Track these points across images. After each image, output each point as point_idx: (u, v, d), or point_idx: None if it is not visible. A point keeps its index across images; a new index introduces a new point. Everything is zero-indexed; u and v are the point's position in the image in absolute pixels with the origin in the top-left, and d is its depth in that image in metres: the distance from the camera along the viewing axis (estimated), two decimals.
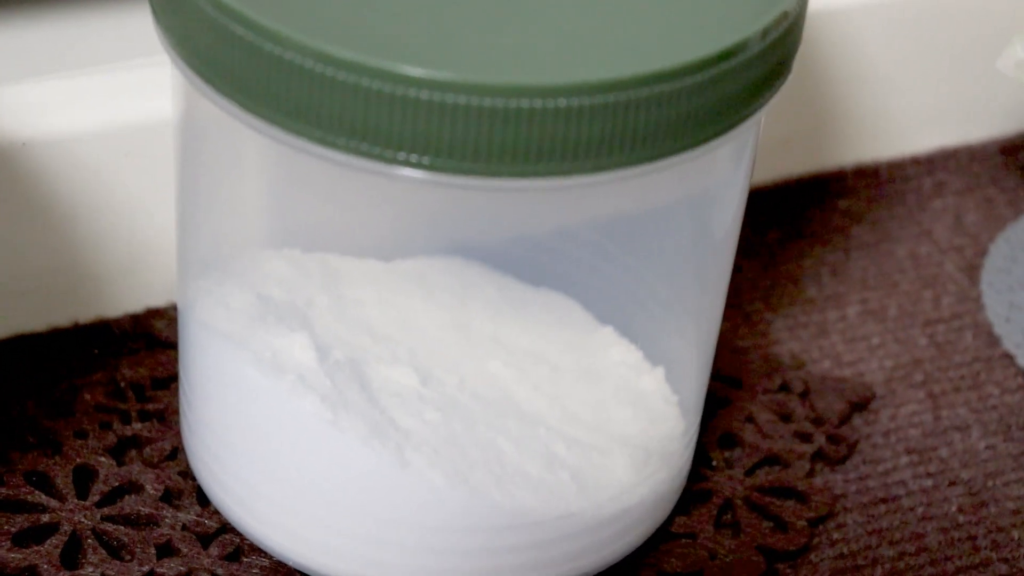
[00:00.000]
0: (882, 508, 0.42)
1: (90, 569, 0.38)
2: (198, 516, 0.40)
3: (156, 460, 0.41)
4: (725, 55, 0.33)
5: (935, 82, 0.51)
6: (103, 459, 0.41)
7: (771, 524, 0.41)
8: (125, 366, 0.43)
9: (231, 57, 0.33)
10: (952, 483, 0.43)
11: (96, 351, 0.43)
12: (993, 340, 0.47)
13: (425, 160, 0.32)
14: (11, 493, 0.40)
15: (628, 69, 0.32)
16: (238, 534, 0.40)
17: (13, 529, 0.39)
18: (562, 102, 0.32)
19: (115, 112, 0.43)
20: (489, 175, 0.32)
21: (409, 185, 0.33)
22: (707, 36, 0.33)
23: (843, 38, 0.50)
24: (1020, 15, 0.50)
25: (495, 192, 0.33)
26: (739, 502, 0.42)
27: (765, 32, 0.34)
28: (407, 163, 0.32)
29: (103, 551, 0.39)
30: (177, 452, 0.41)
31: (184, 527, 0.40)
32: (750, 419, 0.44)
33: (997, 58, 0.45)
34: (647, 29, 0.33)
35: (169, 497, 0.40)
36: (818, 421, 0.44)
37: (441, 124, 0.32)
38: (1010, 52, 0.44)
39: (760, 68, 0.34)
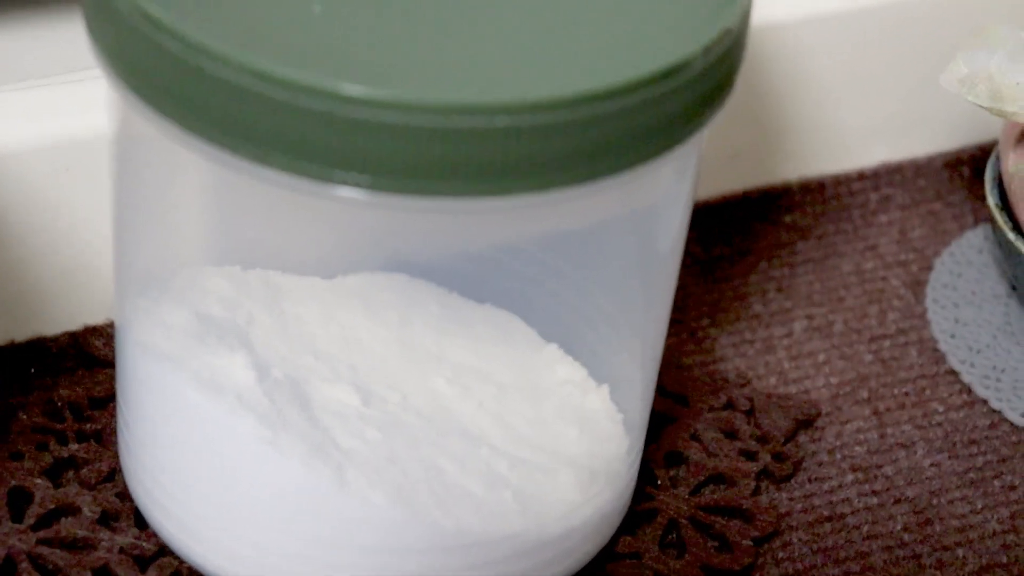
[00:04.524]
0: (827, 526, 0.42)
1: None
2: (136, 539, 0.39)
3: (93, 482, 0.40)
4: (668, 73, 0.33)
5: (880, 97, 0.51)
6: (39, 481, 0.40)
7: (716, 543, 0.41)
8: (62, 385, 0.42)
9: (166, 74, 0.32)
10: (897, 501, 0.43)
11: (32, 370, 0.43)
12: (938, 356, 0.47)
13: (364, 179, 0.32)
14: None
15: (570, 88, 0.32)
16: (177, 557, 0.39)
17: None
18: (502, 121, 0.31)
19: (52, 127, 0.42)
20: (429, 195, 0.32)
21: (349, 204, 0.32)
22: (649, 54, 0.33)
23: (788, 53, 0.50)
24: (963, 31, 0.50)
25: (436, 211, 0.33)
26: (684, 521, 0.41)
27: (708, 49, 0.33)
28: (346, 182, 0.32)
29: (38, 575, 0.38)
30: (115, 473, 0.41)
31: (122, 550, 0.39)
32: (695, 437, 0.43)
33: (941, 74, 0.45)
34: (589, 48, 0.33)
35: (106, 519, 0.40)
36: (763, 439, 0.44)
37: (380, 143, 0.31)
38: (953, 68, 0.44)
39: (703, 85, 0.34)
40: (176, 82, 0.32)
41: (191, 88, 0.32)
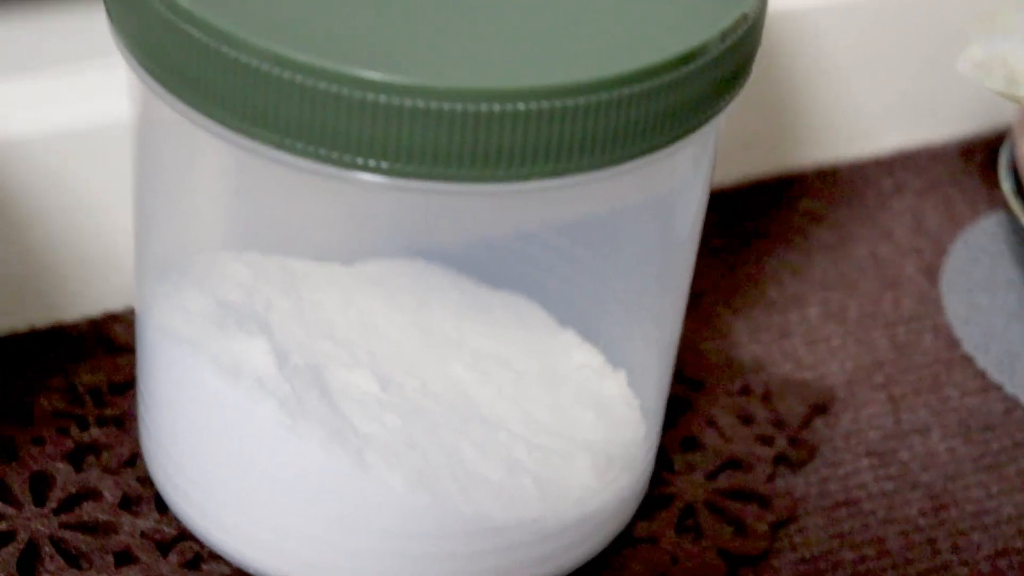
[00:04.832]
0: (843, 512, 0.42)
1: None
2: (157, 523, 0.39)
3: (114, 466, 0.41)
4: (685, 58, 0.33)
5: (895, 83, 0.51)
6: (60, 465, 0.40)
7: (732, 528, 0.41)
8: (83, 371, 0.43)
9: (186, 60, 0.32)
10: (913, 486, 0.43)
11: (53, 356, 0.43)
12: (953, 342, 0.47)
13: (384, 165, 0.32)
14: None
15: (587, 73, 0.32)
16: (197, 541, 0.39)
17: None
18: (521, 106, 0.31)
19: (72, 114, 0.42)
20: (448, 179, 0.32)
21: (368, 189, 0.33)
22: (666, 39, 0.33)
23: (803, 39, 0.50)
24: (978, 16, 0.50)
25: (455, 196, 0.33)
26: (700, 506, 0.41)
27: (724, 35, 0.34)
28: (366, 168, 0.32)
29: (60, 559, 0.38)
30: (136, 458, 0.41)
31: (143, 534, 0.39)
32: (711, 422, 0.44)
33: (956, 59, 0.45)
34: (606, 32, 0.33)
35: (128, 504, 0.40)
36: (779, 424, 0.44)
37: (399, 128, 0.31)
38: (969, 53, 0.44)
39: (720, 71, 0.34)
40: (197, 68, 0.32)
41: (212, 74, 0.32)
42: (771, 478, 0.43)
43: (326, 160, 0.32)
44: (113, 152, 0.42)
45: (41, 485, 0.40)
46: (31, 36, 0.45)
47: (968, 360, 0.46)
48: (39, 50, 0.44)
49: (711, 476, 0.42)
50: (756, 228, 0.49)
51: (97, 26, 0.39)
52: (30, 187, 0.42)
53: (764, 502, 0.42)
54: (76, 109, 0.42)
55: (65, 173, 0.43)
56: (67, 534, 0.39)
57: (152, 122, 0.37)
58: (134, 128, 0.37)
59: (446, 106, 0.31)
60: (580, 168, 0.33)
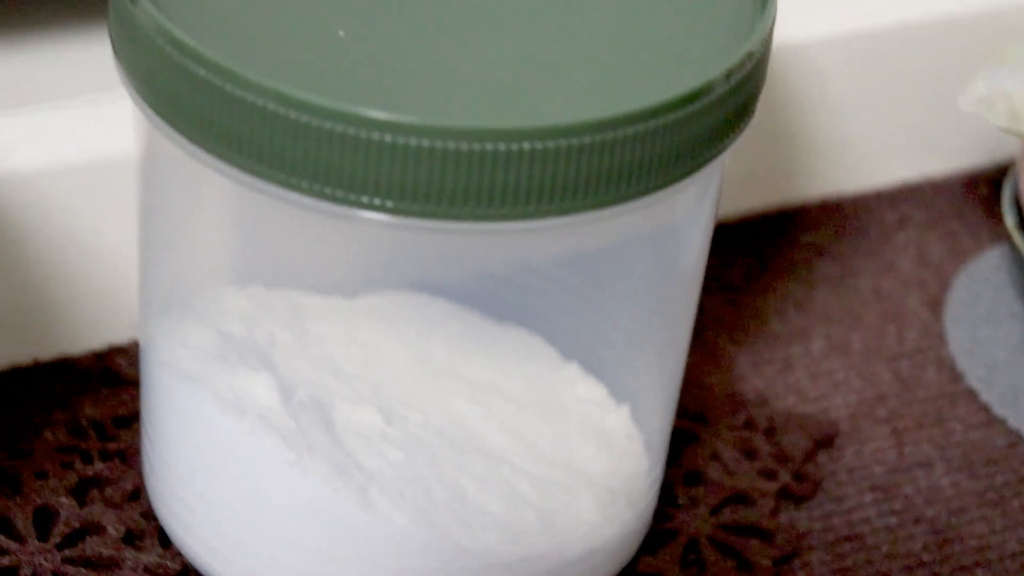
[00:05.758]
0: (847, 546, 0.42)
1: None
2: (160, 558, 0.39)
3: (118, 500, 0.41)
4: (690, 97, 0.33)
5: (898, 116, 0.51)
6: (64, 500, 0.40)
7: (736, 563, 0.41)
8: (87, 404, 0.43)
9: (192, 98, 0.32)
10: (916, 521, 0.43)
11: (57, 389, 0.43)
12: (956, 375, 0.47)
13: (388, 203, 0.32)
14: None
15: (592, 112, 0.32)
16: None
17: None
18: (526, 146, 0.31)
19: (78, 148, 0.42)
20: (453, 218, 0.32)
21: (372, 227, 0.33)
22: (672, 79, 0.33)
23: (806, 73, 0.50)
24: (982, 51, 0.50)
25: (459, 234, 0.33)
26: (704, 541, 0.41)
27: (730, 74, 0.34)
28: (370, 206, 0.32)
29: None
30: (139, 492, 0.41)
31: (146, 569, 0.39)
32: (715, 456, 0.44)
33: (959, 94, 0.45)
34: (611, 71, 0.33)
35: (131, 538, 0.40)
36: (783, 458, 0.44)
37: (404, 167, 0.31)
38: (972, 89, 0.44)
39: (725, 109, 0.34)
40: (202, 106, 0.32)
41: (217, 112, 0.32)
42: (774, 513, 0.43)
43: (330, 198, 0.32)
44: (118, 186, 0.42)
45: (44, 519, 0.40)
46: (37, 70, 0.45)
47: (972, 394, 0.46)
48: (45, 84, 0.44)
49: (715, 511, 0.42)
50: (759, 262, 0.49)
51: (103, 61, 0.39)
52: (35, 221, 0.42)
53: (768, 537, 0.42)
54: (82, 143, 0.42)
55: (70, 207, 0.43)
56: (70, 569, 0.39)
57: (157, 157, 0.37)
58: (139, 163, 0.37)
59: (451, 145, 0.31)
60: (585, 207, 0.33)
